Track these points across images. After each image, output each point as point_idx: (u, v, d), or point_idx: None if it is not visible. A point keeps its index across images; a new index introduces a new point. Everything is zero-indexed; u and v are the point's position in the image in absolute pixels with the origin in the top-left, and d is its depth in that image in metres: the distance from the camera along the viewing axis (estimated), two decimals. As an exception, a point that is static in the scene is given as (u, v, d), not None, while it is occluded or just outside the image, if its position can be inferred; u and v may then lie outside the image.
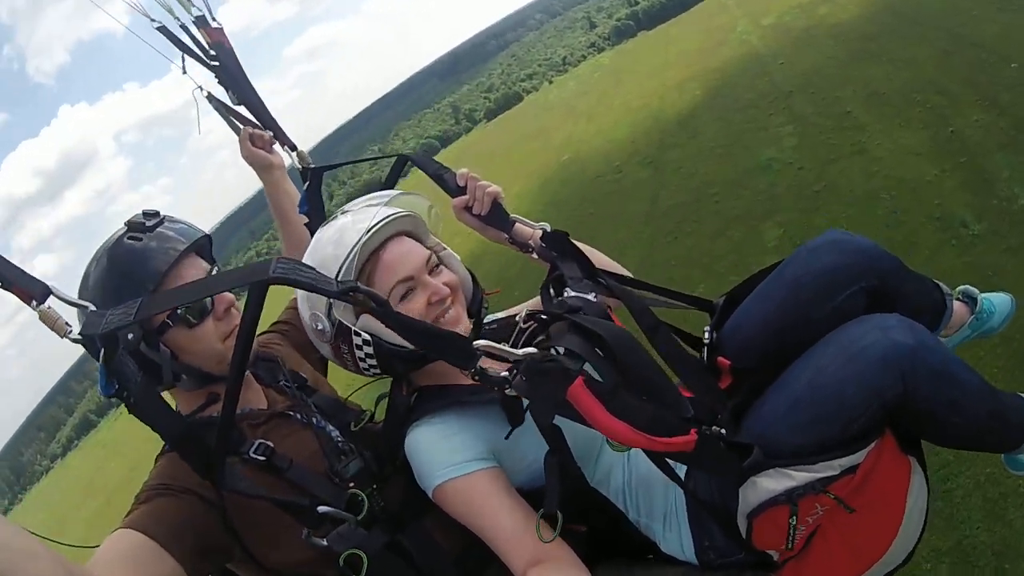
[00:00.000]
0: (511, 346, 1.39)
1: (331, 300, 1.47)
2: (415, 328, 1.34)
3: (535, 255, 1.74)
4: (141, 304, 1.22)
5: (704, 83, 10.42)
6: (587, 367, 1.29)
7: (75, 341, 1.20)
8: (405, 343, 1.47)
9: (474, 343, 1.26)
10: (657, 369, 1.35)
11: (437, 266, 1.62)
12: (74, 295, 1.36)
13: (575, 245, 1.70)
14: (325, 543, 1.49)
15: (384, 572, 1.53)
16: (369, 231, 1.51)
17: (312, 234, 1.85)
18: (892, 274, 1.53)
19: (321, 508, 1.51)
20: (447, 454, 1.46)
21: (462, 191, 1.81)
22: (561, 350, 1.30)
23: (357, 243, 1.50)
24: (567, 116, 13.16)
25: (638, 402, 1.29)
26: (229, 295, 1.65)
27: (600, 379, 1.30)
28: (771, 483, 1.34)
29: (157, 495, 1.49)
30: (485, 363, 1.32)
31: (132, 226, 1.60)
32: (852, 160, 6.21)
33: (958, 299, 1.77)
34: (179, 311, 1.56)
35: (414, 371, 1.62)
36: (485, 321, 1.73)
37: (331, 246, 1.54)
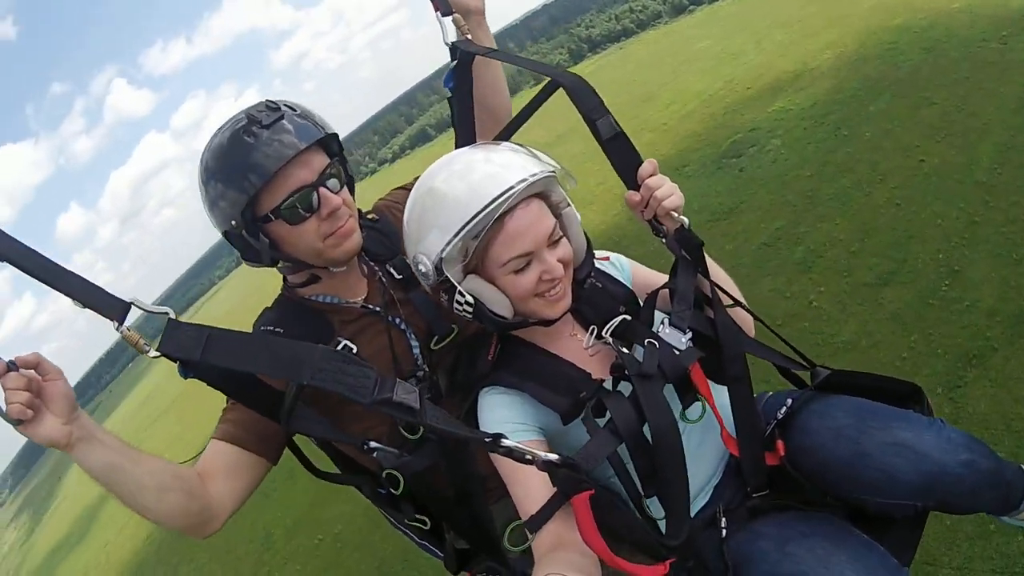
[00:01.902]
0: (596, 336, 1.59)
1: (442, 253, 1.41)
2: (443, 424, 1.26)
3: (664, 240, 1.63)
4: (209, 338, 1.18)
5: None
6: (620, 448, 1.42)
7: (155, 357, 1.19)
8: (506, 314, 1.49)
9: (500, 442, 1.26)
10: (683, 475, 1.44)
11: (558, 239, 1.50)
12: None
13: (704, 256, 1.62)
14: (375, 455, 1.64)
15: (419, 489, 1.66)
16: (507, 194, 1.37)
17: (452, 110, 1.86)
18: (961, 496, 1.45)
19: (372, 444, 1.63)
20: (499, 421, 1.52)
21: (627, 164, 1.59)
22: (607, 418, 1.43)
23: (490, 205, 1.37)
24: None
25: (632, 522, 1.45)
26: (337, 198, 1.59)
27: (631, 461, 1.45)
28: None
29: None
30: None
31: (251, 119, 1.55)
32: None
33: None
34: (282, 208, 1.54)
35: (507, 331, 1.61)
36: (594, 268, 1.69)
37: (452, 191, 1.43)
